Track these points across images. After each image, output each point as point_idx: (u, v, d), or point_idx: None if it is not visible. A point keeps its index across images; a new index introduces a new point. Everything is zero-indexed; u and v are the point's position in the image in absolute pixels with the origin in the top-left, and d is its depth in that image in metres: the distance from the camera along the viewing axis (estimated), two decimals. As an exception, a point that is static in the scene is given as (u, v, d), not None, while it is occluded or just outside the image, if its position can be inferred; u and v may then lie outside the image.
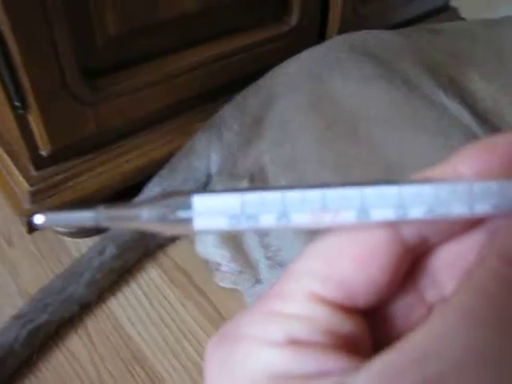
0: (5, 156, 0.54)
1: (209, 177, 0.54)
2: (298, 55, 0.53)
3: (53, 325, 0.48)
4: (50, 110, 0.48)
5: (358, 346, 0.14)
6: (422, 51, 0.53)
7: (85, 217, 0.14)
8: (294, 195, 0.14)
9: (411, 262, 0.15)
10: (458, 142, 0.42)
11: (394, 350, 0.12)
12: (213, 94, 0.60)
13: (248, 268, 0.47)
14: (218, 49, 0.57)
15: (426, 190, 0.14)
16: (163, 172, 0.55)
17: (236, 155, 0.49)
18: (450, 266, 0.15)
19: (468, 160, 0.14)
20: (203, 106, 0.60)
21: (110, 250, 0.52)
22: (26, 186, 0.51)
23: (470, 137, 0.43)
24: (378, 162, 0.41)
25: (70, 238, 0.58)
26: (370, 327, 0.15)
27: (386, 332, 0.15)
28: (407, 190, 0.14)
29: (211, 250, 0.50)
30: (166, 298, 0.53)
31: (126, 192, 0.56)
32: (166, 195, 0.14)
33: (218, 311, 0.52)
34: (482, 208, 0.14)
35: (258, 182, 0.45)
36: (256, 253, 0.43)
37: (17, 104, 0.46)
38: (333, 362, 0.13)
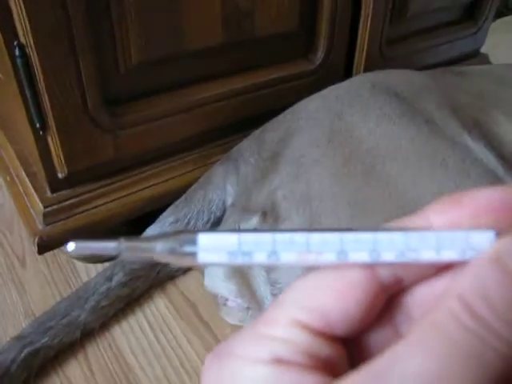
0: (24, 176, 0.54)
1: (224, 209, 0.53)
2: (320, 92, 0.53)
3: (53, 349, 0.47)
4: (69, 133, 0.48)
5: (336, 368, 0.16)
6: (446, 92, 0.51)
7: (108, 247, 0.16)
8: (282, 237, 0.16)
9: (387, 299, 0.17)
10: (479, 183, 0.40)
11: (356, 371, 0.14)
12: (234, 128, 0.60)
13: (255, 304, 0.46)
14: (242, 83, 0.57)
15: (397, 237, 0.16)
16: (178, 202, 0.55)
17: (251, 189, 0.48)
18: (422, 304, 0.17)
19: (438, 211, 0.17)
20: (224, 139, 0.60)
21: (119, 277, 0.51)
22: (40, 206, 0.51)
23: (493, 179, 0.41)
24: (393, 201, 0.40)
25: (81, 263, 0.58)
26: (348, 355, 0.17)
27: (362, 360, 0.16)
28: (381, 237, 0.16)
29: (219, 284, 0.48)
30: (170, 331, 0.52)
31: (139, 219, 0.56)
32: (177, 232, 0.16)
33: (222, 348, 0.50)
34: (448, 254, 0.16)
35: (269, 217, 0.43)
36: (262, 289, 0.42)
37: (37, 125, 0.47)
38: (311, 379, 0.15)
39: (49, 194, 0.51)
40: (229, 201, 0.53)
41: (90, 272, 0.57)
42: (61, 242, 0.52)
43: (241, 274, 0.45)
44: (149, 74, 0.51)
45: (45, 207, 0.51)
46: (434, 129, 0.46)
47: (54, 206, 0.51)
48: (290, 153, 0.46)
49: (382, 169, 0.42)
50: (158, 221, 0.54)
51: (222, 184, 0.53)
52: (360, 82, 0.51)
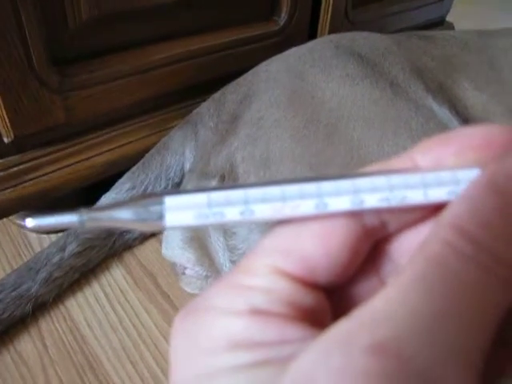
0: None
1: (183, 175, 0.51)
2: (282, 53, 0.50)
3: (2, 323, 0.44)
4: (14, 93, 0.44)
5: (319, 319, 0.14)
6: (412, 56, 0.49)
7: (69, 220, 0.15)
8: (255, 191, 0.15)
9: (373, 245, 0.16)
10: None
11: (348, 317, 0.13)
12: (194, 92, 0.57)
13: (214, 272, 0.43)
14: (200, 44, 0.53)
15: (379, 181, 0.15)
16: (135, 168, 0.51)
17: (210, 153, 0.45)
18: (409, 251, 0.15)
19: (423, 152, 0.15)
20: (183, 103, 0.57)
21: (72, 247, 0.48)
22: (-15, 173, 0.47)
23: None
24: (356, 163, 0.38)
25: (34, 234, 0.54)
26: (332, 307, 0.15)
27: (346, 311, 0.15)
28: (362, 182, 0.15)
29: (177, 252, 0.46)
30: (128, 302, 0.49)
31: (93, 187, 0.52)
32: (141, 196, 0.15)
33: (182, 318, 0.48)
34: (435, 195, 0.15)
35: (228, 181, 0.41)
36: (221, 256, 0.40)
37: (-22, 85, 0.43)
38: (292, 331, 0.13)
39: (-6, 159, 0.47)
40: (187, 166, 0.50)
41: (43, 243, 0.54)
42: (9, 210, 0.48)
43: (199, 242, 0.43)
44: (101, 31, 0.47)
45: (-9, 174, 0.47)
46: (398, 91, 0.44)
47: (1, 173, 0.47)
48: (249, 115, 0.43)
49: (345, 130, 0.39)
50: (113, 188, 0.51)
51: (181, 149, 0.50)
52: (323, 43, 0.49)
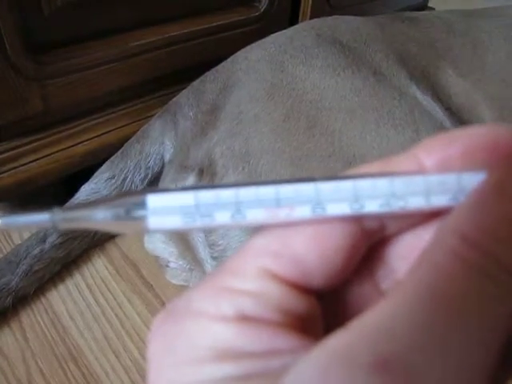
0: None
1: (163, 165, 0.49)
2: (262, 40, 0.49)
3: (-18, 317, 0.43)
4: (-12, 83, 0.42)
5: (310, 326, 0.13)
6: (395, 41, 0.48)
7: (40, 220, 0.13)
8: (247, 192, 0.13)
9: (368, 248, 0.15)
10: (426, 134, 0.38)
11: (346, 329, 0.11)
12: (173, 79, 0.55)
13: (197, 266, 0.43)
14: (180, 30, 0.52)
15: (381, 184, 0.14)
16: (114, 157, 0.50)
17: (189, 145, 0.44)
18: (406, 256, 0.15)
19: (428, 151, 0.14)
20: (163, 91, 0.55)
21: (53, 239, 0.47)
22: (-40, 165, 0.45)
23: (441, 131, 0.39)
24: (338, 156, 0.37)
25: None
26: (324, 312, 0.14)
27: (339, 318, 0.15)
28: (362, 184, 0.14)
29: (159, 246, 0.45)
30: (110, 292, 0.48)
31: (74, 176, 0.51)
32: (121, 194, 0.13)
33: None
34: (439, 200, 0.14)
35: (206, 175, 0.40)
36: (201, 252, 0.39)
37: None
38: (283, 340, 0.12)
39: (-30, 150, 0.46)
40: (167, 156, 0.49)
41: (23, 235, 0.52)
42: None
43: (180, 236, 0.42)
44: (77, 17, 0.45)
45: (-34, 165, 0.45)
46: (381, 80, 0.43)
47: (-23, 164, 0.46)
48: (229, 107, 0.42)
49: (327, 123, 0.39)
50: (93, 177, 0.49)
51: (160, 138, 0.49)
52: (304, 31, 0.48)
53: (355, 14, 0.67)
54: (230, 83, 0.44)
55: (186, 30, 0.52)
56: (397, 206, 0.14)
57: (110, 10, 0.47)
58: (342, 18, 0.50)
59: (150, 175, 0.48)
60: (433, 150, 0.14)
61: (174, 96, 0.51)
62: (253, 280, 0.13)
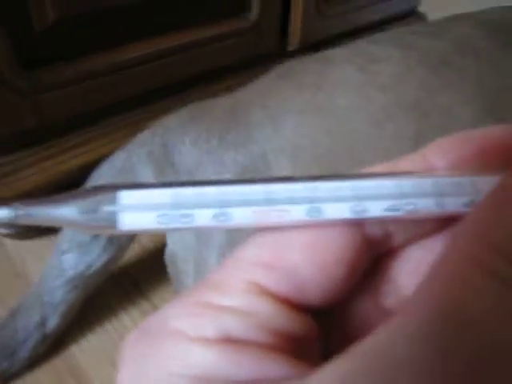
0: None
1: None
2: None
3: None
4: (-18, 99, 0.43)
5: (306, 349, 0.12)
6: None
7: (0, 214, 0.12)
8: (232, 189, 0.12)
9: (372, 260, 0.13)
10: None
11: (345, 356, 0.09)
12: (166, 91, 0.55)
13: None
14: (171, 42, 0.52)
15: (387, 184, 0.12)
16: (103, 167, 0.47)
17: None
18: (413, 271, 0.13)
19: (441, 151, 0.12)
20: (157, 103, 0.56)
21: (53, 322, 0.42)
22: (-44, 180, 0.45)
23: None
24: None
25: (10, 240, 0.53)
26: (320, 331, 0.12)
27: (337, 338, 0.13)
28: (365, 185, 0.12)
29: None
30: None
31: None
32: (90, 190, 0.12)
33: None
34: (452, 203, 0.12)
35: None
36: None
37: None
38: (274, 365, 0.10)
39: (-34, 166, 0.46)
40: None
41: (20, 251, 0.52)
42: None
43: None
44: (68, 33, 0.46)
45: (-38, 181, 0.46)
46: None
47: (-27, 180, 0.46)
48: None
49: None
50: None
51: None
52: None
53: (345, 23, 0.68)
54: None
55: (177, 42, 0.52)
56: (404, 209, 0.12)
57: (101, 25, 0.48)
58: None
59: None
60: (444, 151, 0.13)
61: (169, 107, 0.51)
62: (240, 296, 0.11)
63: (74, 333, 0.45)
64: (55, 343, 0.44)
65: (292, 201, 0.12)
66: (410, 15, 0.78)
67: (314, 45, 0.64)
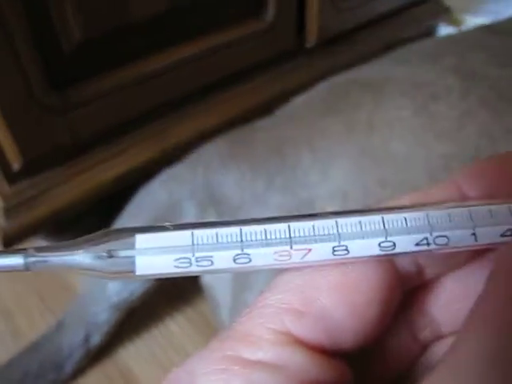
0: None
1: None
2: None
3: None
4: (18, 121, 0.44)
5: None
6: None
7: (13, 262, 0.11)
8: (254, 229, 0.11)
9: (404, 294, 0.12)
10: None
11: None
12: (192, 96, 0.56)
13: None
14: (192, 50, 0.53)
15: (416, 216, 0.11)
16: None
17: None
18: (448, 304, 0.12)
19: (473, 178, 0.12)
20: (183, 109, 0.57)
21: (96, 339, 0.44)
22: (-1, 202, 0.47)
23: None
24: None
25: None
26: (352, 371, 0.12)
27: (373, 375, 0.12)
28: (393, 218, 0.11)
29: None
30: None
31: (110, 201, 0.52)
32: (105, 234, 0.12)
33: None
34: (487, 235, 0.11)
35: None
36: None
37: (-18, 117, 0.43)
38: None
39: (6, 187, 0.47)
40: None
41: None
42: (23, 236, 0.49)
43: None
44: (95, 50, 0.47)
45: (4, 201, 0.47)
46: None
47: (14, 199, 0.47)
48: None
49: None
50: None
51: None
52: None
53: (364, 14, 0.68)
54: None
55: (197, 50, 0.53)
56: (436, 243, 0.11)
57: (123, 40, 0.49)
58: None
59: None
60: (477, 177, 0.12)
61: (196, 112, 0.52)
62: (268, 348, 0.11)
63: (123, 339, 0.47)
64: (105, 348, 0.46)
65: (315, 239, 0.11)
66: (424, 2, 0.78)
67: (332, 40, 0.65)
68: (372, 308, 0.11)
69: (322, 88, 0.43)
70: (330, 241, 0.11)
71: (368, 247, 0.11)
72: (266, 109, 0.51)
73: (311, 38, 0.62)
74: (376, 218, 0.11)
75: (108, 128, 0.52)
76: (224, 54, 0.56)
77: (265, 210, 0.34)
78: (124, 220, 0.43)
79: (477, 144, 0.34)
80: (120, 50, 0.49)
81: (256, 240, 0.11)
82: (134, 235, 0.11)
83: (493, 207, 0.11)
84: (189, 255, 0.11)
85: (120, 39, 0.48)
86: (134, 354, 0.45)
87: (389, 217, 0.11)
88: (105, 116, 0.50)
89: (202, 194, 0.38)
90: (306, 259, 0.11)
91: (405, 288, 0.12)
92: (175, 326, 0.47)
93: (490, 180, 0.12)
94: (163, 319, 0.47)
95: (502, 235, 0.11)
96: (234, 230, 0.11)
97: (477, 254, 0.12)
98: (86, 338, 0.44)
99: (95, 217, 0.53)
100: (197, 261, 0.11)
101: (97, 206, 0.52)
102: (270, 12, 0.57)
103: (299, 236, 0.11)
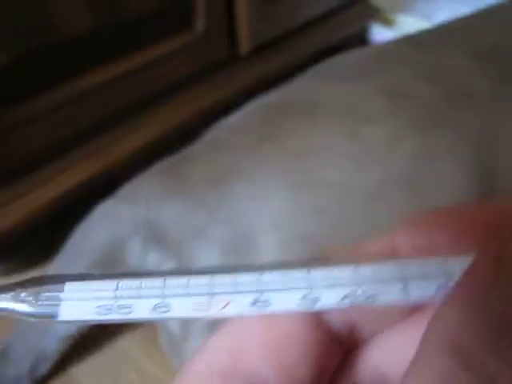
0: None
1: None
2: None
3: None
4: None
5: None
6: None
7: None
8: (177, 281, 0.11)
9: (343, 352, 0.12)
10: None
11: None
12: (130, 112, 0.56)
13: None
14: (125, 66, 0.53)
15: (342, 271, 0.11)
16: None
17: None
18: (390, 359, 0.12)
19: (407, 234, 0.11)
20: (121, 125, 0.56)
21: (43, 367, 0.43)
22: None
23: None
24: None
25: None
26: None
27: None
28: (317, 275, 0.11)
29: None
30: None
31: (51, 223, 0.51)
32: (37, 279, 0.12)
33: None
34: (420, 291, 0.11)
35: None
36: None
37: None
38: None
39: None
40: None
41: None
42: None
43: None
44: (23, 71, 0.46)
45: None
46: None
47: None
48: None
49: None
50: None
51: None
52: None
53: (292, 19, 0.69)
54: None
55: (128, 67, 0.53)
56: (364, 298, 0.11)
57: (52, 60, 0.48)
58: None
59: None
60: (410, 233, 0.12)
61: (135, 127, 0.51)
62: None
63: (74, 358, 0.46)
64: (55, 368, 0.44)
65: (235, 291, 0.11)
66: (354, 4, 0.80)
67: (265, 46, 0.66)
68: (303, 368, 0.11)
69: (254, 110, 0.42)
70: (251, 293, 0.11)
71: (290, 300, 0.11)
72: (204, 118, 0.52)
73: (244, 45, 0.63)
74: (301, 271, 0.11)
75: (45, 148, 0.51)
76: (157, 68, 0.56)
77: (206, 243, 0.34)
78: (61, 265, 0.41)
79: (409, 166, 0.35)
80: (50, 69, 0.49)
81: (176, 291, 0.11)
82: (64, 282, 0.12)
83: (425, 262, 0.11)
84: (111, 302, 0.11)
85: (47, 59, 0.48)
86: (86, 370, 0.44)
87: (315, 270, 0.11)
88: (41, 136, 0.49)
89: (144, 230, 0.37)
90: (224, 311, 0.11)
91: (341, 346, 0.12)
92: (126, 341, 0.46)
93: (424, 235, 0.11)
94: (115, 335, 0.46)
95: (435, 289, 0.11)
96: (155, 282, 0.11)
97: (414, 310, 0.12)
98: (33, 369, 0.42)
99: (36, 241, 0.52)
100: (118, 308, 0.11)
101: (37, 230, 0.51)
102: (200, 23, 0.58)
103: (218, 290, 0.11)
